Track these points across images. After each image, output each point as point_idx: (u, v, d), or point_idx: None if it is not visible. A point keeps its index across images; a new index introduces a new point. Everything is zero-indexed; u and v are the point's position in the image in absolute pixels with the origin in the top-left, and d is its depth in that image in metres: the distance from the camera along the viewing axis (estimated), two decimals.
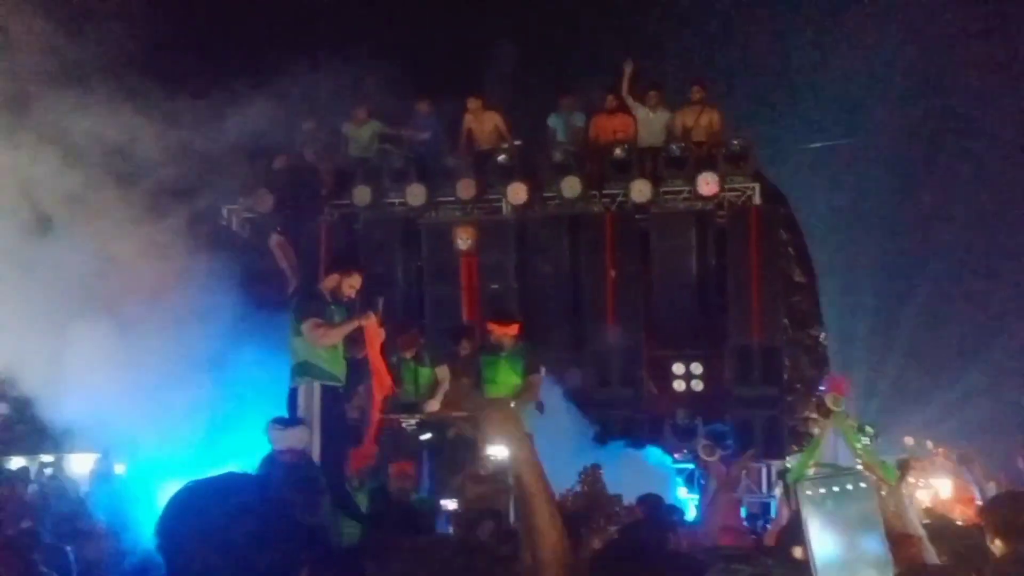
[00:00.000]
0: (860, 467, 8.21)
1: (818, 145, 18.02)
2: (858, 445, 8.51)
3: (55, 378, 7.82)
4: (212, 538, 1.80)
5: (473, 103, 13.69)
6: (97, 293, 8.25)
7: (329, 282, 8.16)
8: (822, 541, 1.36)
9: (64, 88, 8.51)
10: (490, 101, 13.85)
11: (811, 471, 8.76)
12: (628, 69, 13.50)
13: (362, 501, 8.29)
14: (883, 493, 7.82)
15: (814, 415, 12.63)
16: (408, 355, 9.61)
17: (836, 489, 1.39)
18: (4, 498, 7.62)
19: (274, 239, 10.06)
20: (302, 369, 8.04)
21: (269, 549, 1.81)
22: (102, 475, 8.36)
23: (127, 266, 8.95)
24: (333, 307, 8.04)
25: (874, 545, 1.36)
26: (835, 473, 1.48)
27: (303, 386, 8.02)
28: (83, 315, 8.09)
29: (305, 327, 7.85)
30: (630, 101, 13.43)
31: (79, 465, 8.65)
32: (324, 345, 7.86)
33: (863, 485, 1.41)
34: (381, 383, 8.62)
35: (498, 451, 3.95)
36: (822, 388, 8.95)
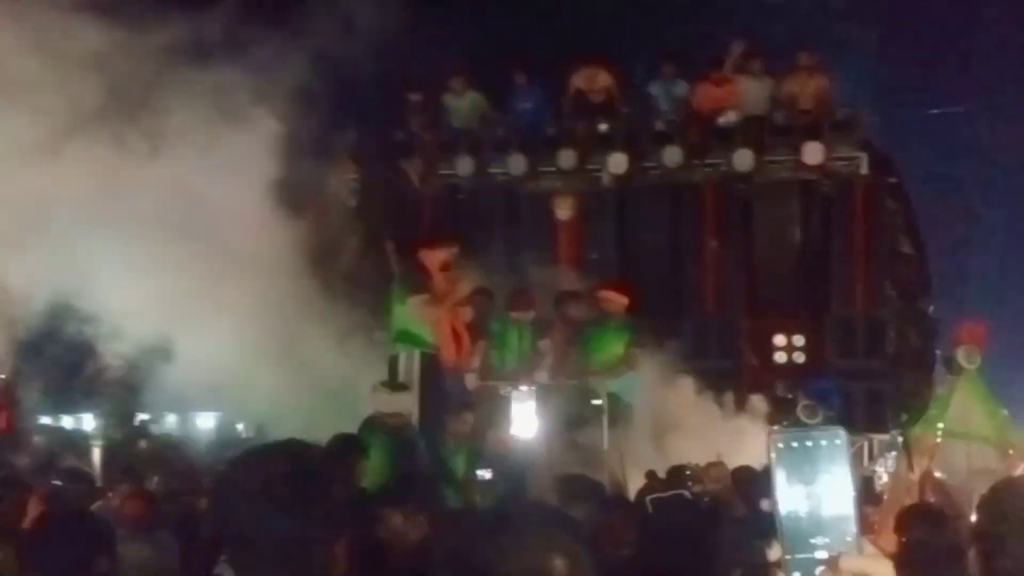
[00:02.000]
0: (994, 442, 7.52)
1: (935, 112, 17.49)
2: (997, 414, 7.47)
3: (187, 338, 8.22)
4: (253, 503, 1.91)
5: (585, 66, 13.67)
6: (231, 259, 8.61)
7: (440, 256, 8.40)
8: (787, 495, 1.36)
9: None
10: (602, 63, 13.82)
11: (938, 435, 8.26)
12: (737, 50, 13.32)
13: (459, 464, 8.53)
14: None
15: (925, 388, 12.39)
16: (525, 316, 9.71)
17: (809, 444, 1.37)
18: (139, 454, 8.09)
19: None
20: (403, 336, 8.31)
21: (300, 517, 1.90)
22: (224, 434, 8.80)
23: (249, 228, 9.29)
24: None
25: (841, 504, 1.35)
26: (809, 428, 1.41)
27: (404, 353, 8.29)
28: (208, 276, 8.46)
29: (415, 301, 8.10)
30: (732, 75, 13.30)
31: (202, 423, 9.11)
32: (429, 319, 8.10)
33: (837, 442, 1.37)
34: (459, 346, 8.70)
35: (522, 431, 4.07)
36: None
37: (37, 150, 7.77)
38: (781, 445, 1.37)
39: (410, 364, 8.33)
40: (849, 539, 1.35)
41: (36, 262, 7.66)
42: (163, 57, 8.43)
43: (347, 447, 5.89)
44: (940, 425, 7.95)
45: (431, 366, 8.36)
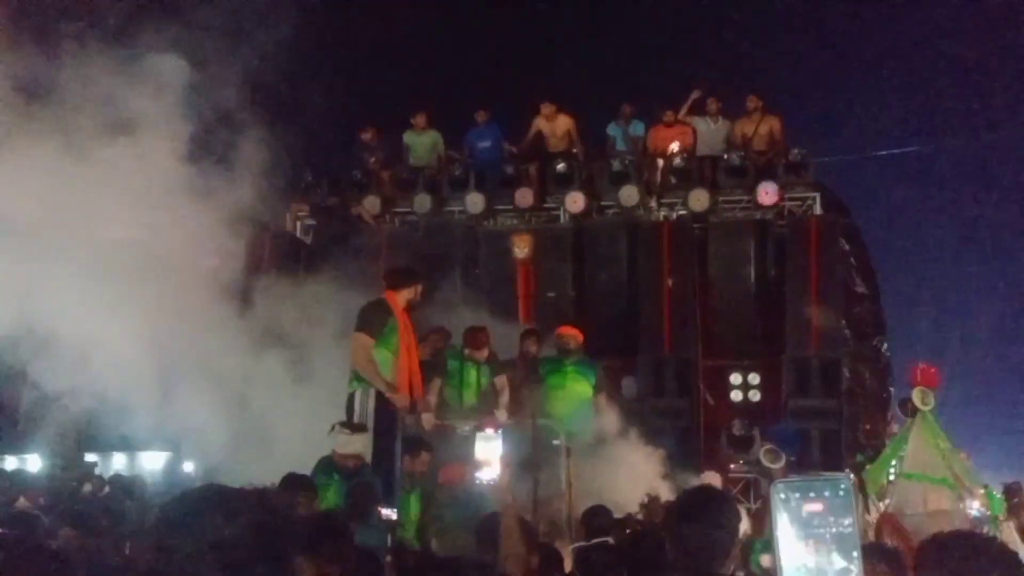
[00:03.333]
0: (950, 483, 7.45)
1: (883, 153, 17.83)
2: (951, 455, 7.38)
3: (129, 378, 8.05)
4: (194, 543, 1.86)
5: (547, 108, 13.83)
6: (173, 295, 8.47)
7: (405, 295, 8.32)
8: (790, 550, 1.31)
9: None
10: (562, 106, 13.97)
11: (890, 475, 8.21)
12: (694, 95, 13.55)
13: (414, 504, 8.41)
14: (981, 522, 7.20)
15: (880, 427, 12.52)
16: (479, 355, 9.65)
17: (812, 495, 1.34)
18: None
19: None
20: (358, 375, 8.18)
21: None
22: (171, 473, 8.61)
23: (199, 266, 9.18)
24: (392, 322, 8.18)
25: (847, 557, 1.30)
26: (815, 478, 1.37)
27: (359, 391, 8.16)
28: (157, 317, 8.32)
29: (358, 339, 8.00)
30: (688, 118, 13.52)
31: (150, 463, 8.91)
32: (356, 361, 8.00)
33: (842, 490, 1.35)
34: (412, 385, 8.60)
35: (486, 475, 4.10)
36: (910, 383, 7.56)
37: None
38: (784, 496, 1.34)
39: (365, 403, 8.21)
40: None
41: None
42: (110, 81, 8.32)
43: (295, 487, 5.76)
44: (893, 464, 8.00)
45: (384, 405, 8.24)
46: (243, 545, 1.84)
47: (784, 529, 1.34)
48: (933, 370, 7.77)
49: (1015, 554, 3.05)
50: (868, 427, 12.36)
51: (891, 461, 8.05)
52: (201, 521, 1.85)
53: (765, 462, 9.22)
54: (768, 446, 9.78)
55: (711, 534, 3.36)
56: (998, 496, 7.90)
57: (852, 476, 8.76)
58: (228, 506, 1.89)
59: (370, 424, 8.07)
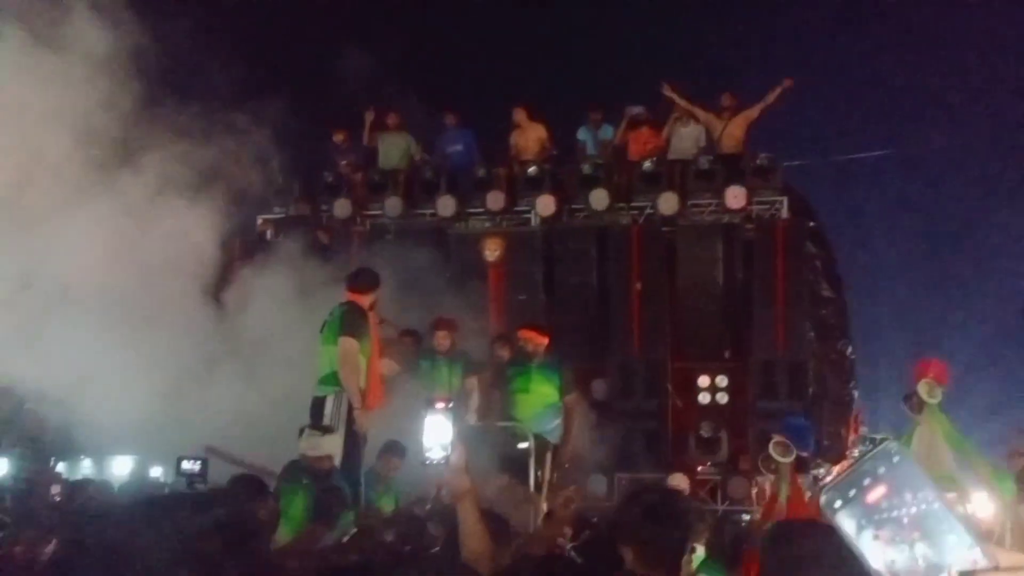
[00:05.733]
0: (953, 484, 7.34)
1: (850, 157, 18.03)
2: (961, 446, 7.35)
3: (95, 382, 8.04)
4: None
5: (519, 114, 13.88)
6: (138, 298, 8.47)
7: (370, 299, 8.36)
8: (876, 551, 1.09)
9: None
10: (536, 113, 14.04)
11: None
12: (668, 93, 13.57)
13: (387, 506, 8.44)
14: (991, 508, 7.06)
15: (843, 430, 12.62)
16: (442, 342, 9.69)
17: (867, 481, 1.10)
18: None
19: None
20: (334, 379, 8.20)
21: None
22: (139, 477, 8.61)
23: (167, 272, 9.18)
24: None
25: (940, 520, 1.08)
26: (858, 460, 1.12)
27: (332, 395, 8.18)
28: (123, 320, 8.32)
29: (349, 344, 8.02)
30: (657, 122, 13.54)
31: (118, 468, 8.90)
32: (344, 366, 8.03)
33: (896, 458, 1.10)
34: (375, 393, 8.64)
35: (434, 454, 3.91)
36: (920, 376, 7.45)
37: None
38: (839, 502, 1.12)
39: (339, 405, 8.23)
40: (974, 548, 1.10)
41: None
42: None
43: (246, 489, 5.77)
44: None
45: (354, 412, 8.26)
46: (211, 537, 1.89)
47: (865, 542, 1.10)
48: (941, 364, 7.67)
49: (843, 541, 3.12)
50: (830, 430, 12.50)
51: None
52: (168, 517, 1.91)
53: (775, 455, 8.93)
54: (778, 438, 9.43)
55: (675, 536, 3.42)
56: (1009, 484, 7.70)
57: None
58: (194, 503, 1.95)
59: (342, 427, 8.10)
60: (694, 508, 3.65)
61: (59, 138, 8.22)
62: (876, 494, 1.12)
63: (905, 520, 1.11)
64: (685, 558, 3.28)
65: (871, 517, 1.12)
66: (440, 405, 5.85)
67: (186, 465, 5.71)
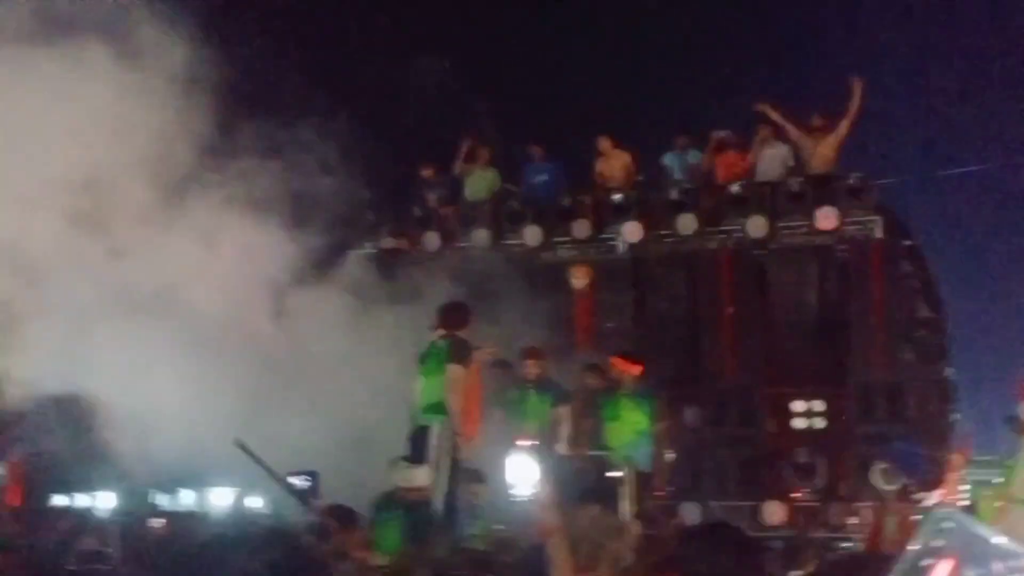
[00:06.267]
0: None
1: (948, 173, 17.56)
2: None
3: (196, 413, 8.28)
4: None
5: (603, 143, 13.92)
6: (238, 337, 8.72)
7: (465, 333, 8.51)
8: None
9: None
10: (620, 141, 14.05)
11: (998, 504, 7.76)
12: (763, 109, 13.36)
13: (480, 530, 8.47)
14: None
15: (943, 455, 12.19)
16: (532, 370, 9.75)
17: (924, 563, 0.96)
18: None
19: None
20: (441, 408, 8.31)
21: None
22: (237, 509, 8.83)
23: (260, 306, 9.42)
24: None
25: None
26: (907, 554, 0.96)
27: (437, 425, 8.29)
28: (225, 353, 8.56)
29: (458, 371, 8.15)
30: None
31: (218, 499, 9.13)
32: (453, 393, 8.15)
33: (948, 525, 0.98)
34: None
35: (520, 491, 3.84)
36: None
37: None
38: None
39: (444, 436, 8.34)
40: None
41: (39, 340, 7.80)
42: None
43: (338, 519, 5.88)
44: (1001, 496, 7.57)
45: (457, 440, 8.37)
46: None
47: None
48: None
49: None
50: (931, 455, 12.08)
51: (1002, 489, 7.64)
52: (225, 557, 1.97)
53: (880, 483, 8.46)
54: (883, 465, 8.94)
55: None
56: None
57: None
58: (250, 543, 2.00)
59: (445, 459, 8.20)
60: (747, 538, 3.64)
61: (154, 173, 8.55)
62: (943, 571, 0.96)
63: None
64: None
65: None
66: (524, 443, 5.82)
67: (296, 482, 5.72)
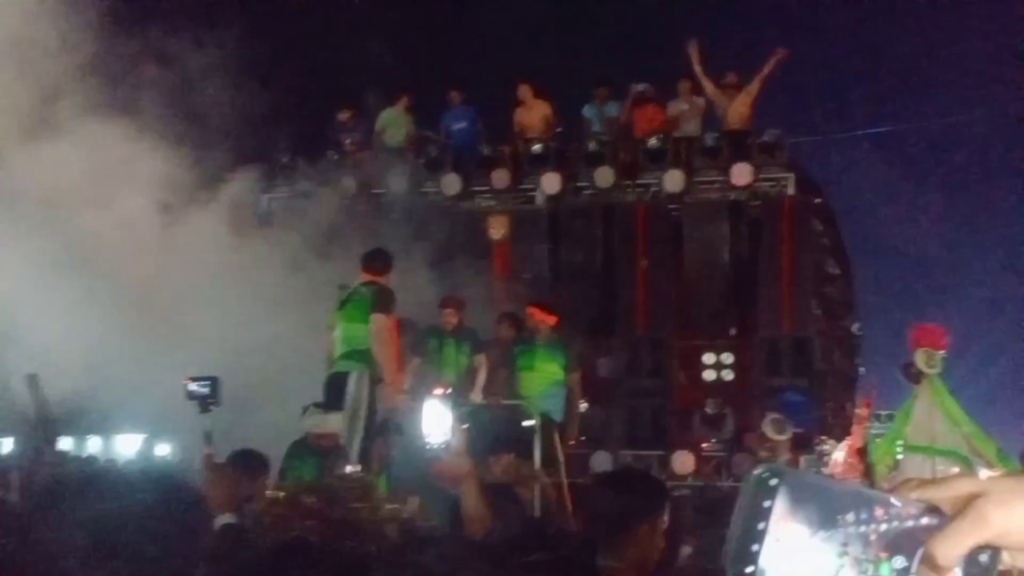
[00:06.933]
0: (960, 454, 7.02)
1: (859, 133, 17.95)
2: (963, 421, 7.03)
3: (101, 360, 8.03)
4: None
5: (524, 91, 13.79)
6: (142, 276, 8.47)
7: (388, 279, 8.37)
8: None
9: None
10: (539, 90, 13.94)
11: (898, 450, 7.81)
12: (693, 51, 13.28)
13: (383, 486, 8.45)
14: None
15: (848, 406, 12.62)
16: (449, 319, 9.72)
17: (761, 526, 0.87)
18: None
19: None
20: (360, 356, 8.18)
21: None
22: (146, 456, 8.65)
23: (172, 250, 9.17)
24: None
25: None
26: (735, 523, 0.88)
27: (355, 373, 8.17)
28: (128, 297, 8.31)
29: (384, 320, 8.01)
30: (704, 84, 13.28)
31: (125, 446, 8.92)
32: (381, 343, 8.01)
33: (772, 482, 0.89)
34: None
35: (434, 439, 3.85)
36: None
37: None
38: (750, 568, 0.87)
39: (360, 384, 8.22)
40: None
41: None
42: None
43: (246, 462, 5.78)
44: (899, 441, 7.72)
45: (378, 391, 8.28)
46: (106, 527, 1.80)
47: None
48: (939, 330, 7.36)
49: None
50: (836, 406, 12.50)
51: (899, 434, 7.70)
52: (67, 503, 1.84)
53: (770, 433, 8.57)
54: (773, 416, 9.10)
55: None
56: (1015, 464, 7.55)
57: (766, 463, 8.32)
58: (100, 486, 1.89)
59: (363, 408, 8.10)
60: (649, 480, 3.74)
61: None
62: (784, 531, 0.88)
63: (872, 537, 0.89)
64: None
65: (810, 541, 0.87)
66: (439, 391, 5.78)
67: (194, 388, 5.51)
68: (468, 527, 3.87)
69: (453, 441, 4.15)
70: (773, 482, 0.89)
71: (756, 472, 0.91)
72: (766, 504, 0.89)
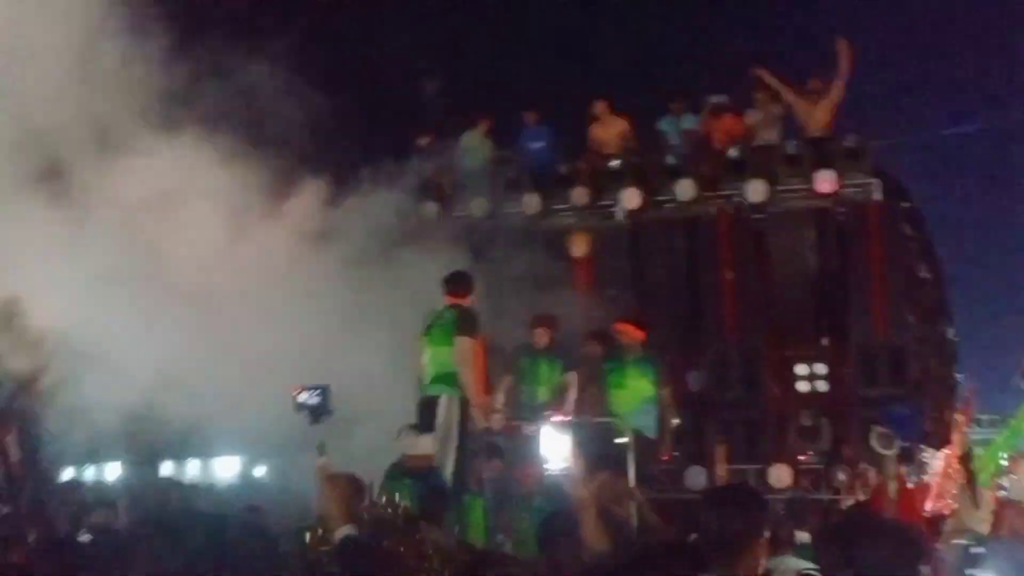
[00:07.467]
0: None
1: (945, 133, 17.50)
2: None
3: (201, 382, 8.17)
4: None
5: (600, 107, 13.80)
6: (245, 303, 8.60)
7: (471, 301, 8.42)
8: None
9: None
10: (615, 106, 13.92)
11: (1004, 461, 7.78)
12: (762, 74, 13.19)
13: (478, 510, 8.42)
14: None
15: (947, 414, 12.23)
16: (540, 340, 9.71)
17: None
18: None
19: None
20: (448, 379, 8.25)
21: None
22: (245, 478, 8.76)
23: (269, 278, 9.30)
24: None
25: None
26: None
27: (445, 396, 8.22)
28: (230, 321, 8.44)
29: (468, 343, 8.06)
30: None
31: (223, 469, 9.06)
32: (466, 366, 8.05)
33: None
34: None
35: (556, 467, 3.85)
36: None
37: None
38: None
39: (451, 408, 8.28)
40: None
41: (55, 311, 7.67)
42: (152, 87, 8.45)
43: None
44: (1002, 453, 7.62)
45: (469, 413, 8.32)
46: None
47: None
48: None
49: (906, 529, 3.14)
50: (935, 415, 12.14)
51: (1010, 442, 7.64)
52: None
53: (877, 447, 8.54)
54: (880, 430, 9.04)
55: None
56: None
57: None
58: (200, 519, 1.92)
59: (454, 430, 8.15)
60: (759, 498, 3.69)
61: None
62: None
63: None
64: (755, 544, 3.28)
65: None
66: (557, 417, 5.75)
67: (305, 397, 5.48)
68: (588, 550, 3.90)
69: (574, 469, 4.24)
70: None
71: None
72: None
